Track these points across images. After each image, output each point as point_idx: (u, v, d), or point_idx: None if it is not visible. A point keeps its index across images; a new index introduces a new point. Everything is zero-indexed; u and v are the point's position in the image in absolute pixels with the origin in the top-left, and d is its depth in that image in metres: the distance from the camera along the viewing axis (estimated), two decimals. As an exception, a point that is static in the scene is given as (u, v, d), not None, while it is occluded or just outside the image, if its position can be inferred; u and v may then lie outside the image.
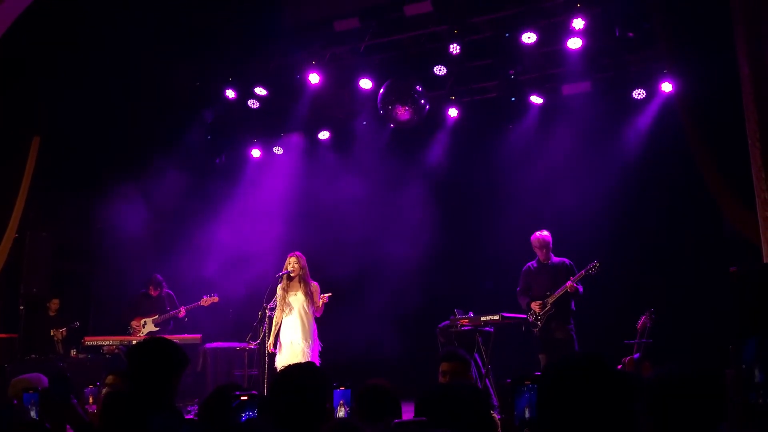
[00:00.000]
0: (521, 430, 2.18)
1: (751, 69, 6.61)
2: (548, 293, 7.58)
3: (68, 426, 3.56)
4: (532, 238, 7.84)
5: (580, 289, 7.48)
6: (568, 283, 7.43)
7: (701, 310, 7.88)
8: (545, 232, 7.81)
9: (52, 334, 9.49)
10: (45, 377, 4.48)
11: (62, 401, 3.51)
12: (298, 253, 7.73)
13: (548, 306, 7.55)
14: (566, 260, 7.75)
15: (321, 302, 7.57)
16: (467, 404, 2.43)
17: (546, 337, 7.57)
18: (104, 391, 4.73)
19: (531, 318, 7.65)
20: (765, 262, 6.41)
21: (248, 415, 2.65)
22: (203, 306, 9.10)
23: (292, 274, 7.59)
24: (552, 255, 7.80)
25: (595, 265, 7.38)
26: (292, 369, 2.94)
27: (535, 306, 7.61)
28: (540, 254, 7.79)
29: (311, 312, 7.56)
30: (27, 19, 7.67)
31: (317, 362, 7.39)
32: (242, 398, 2.67)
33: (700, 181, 7.51)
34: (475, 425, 2.37)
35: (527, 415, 2.20)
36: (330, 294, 7.65)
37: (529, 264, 7.91)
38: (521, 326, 7.74)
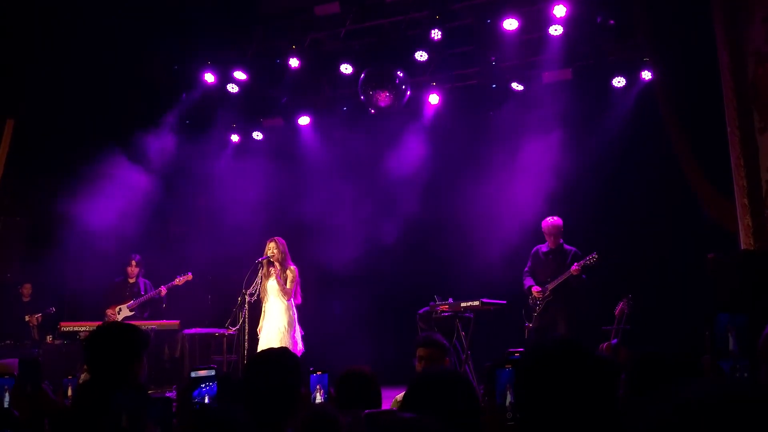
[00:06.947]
0: (502, 413, 2.18)
1: (730, 57, 6.65)
2: (549, 279, 7.62)
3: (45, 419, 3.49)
4: (543, 224, 7.82)
5: (584, 276, 7.52)
6: (573, 267, 7.45)
7: (679, 296, 7.95)
8: (556, 218, 7.79)
9: (27, 319, 9.38)
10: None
11: (33, 389, 3.43)
12: (277, 238, 7.68)
13: (547, 292, 7.60)
14: (574, 249, 7.73)
15: (290, 287, 7.50)
16: (459, 392, 2.38)
17: (541, 324, 7.61)
18: (82, 377, 4.67)
19: (531, 302, 7.70)
20: (743, 248, 6.47)
21: (206, 388, 2.61)
22: (179, 285, 9.03)
23: (271, 259, 7.54)
24: (562, 242, 7.80)
25: (594, 257, 7.40)
26: (262, 355, 2.92)
27: (535, 291, 7.65)
28: (549, 241, 7.79)
29: (288, 297, 7.51)
30: None
31: (300, 347, 7.39)
32: (200, 372, 2.62)
33: (679, 169, 7.55)
34: (464, 411, 2.33)
35: (508, 397, 2.20)
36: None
37: (539, 246, 7.91)
38: (502, 311, 7.74)
